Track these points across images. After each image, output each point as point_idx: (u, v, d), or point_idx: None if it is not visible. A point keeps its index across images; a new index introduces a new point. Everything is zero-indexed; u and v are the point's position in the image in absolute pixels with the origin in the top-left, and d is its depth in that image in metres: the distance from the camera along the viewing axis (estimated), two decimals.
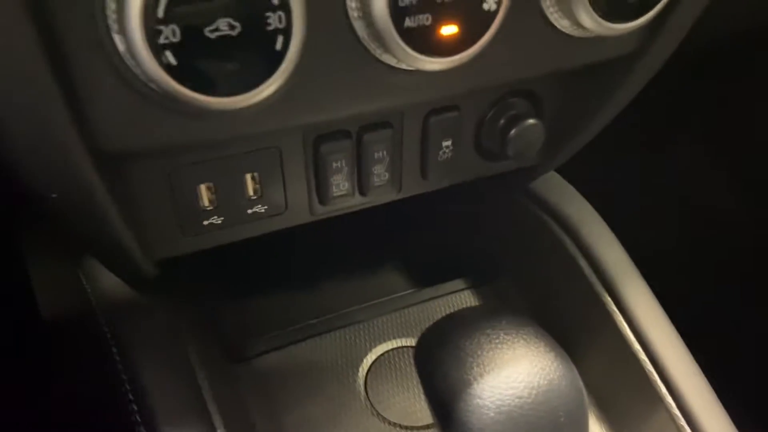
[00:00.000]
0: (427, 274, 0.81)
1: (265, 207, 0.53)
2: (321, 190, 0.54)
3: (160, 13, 0.33)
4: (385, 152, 0.53)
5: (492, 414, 0.44)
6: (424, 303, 0.77)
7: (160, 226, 0.51)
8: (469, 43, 0.41)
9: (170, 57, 0.34)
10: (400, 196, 0.59)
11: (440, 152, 0.56)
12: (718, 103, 1.00)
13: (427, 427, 0.67)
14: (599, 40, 0.48)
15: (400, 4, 0.37)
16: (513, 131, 0.55)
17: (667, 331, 0.64)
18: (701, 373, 0.63)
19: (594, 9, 0.43)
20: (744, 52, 0.92)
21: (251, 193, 0.52)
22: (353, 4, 0.38)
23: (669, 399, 0.61)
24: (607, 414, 0.67)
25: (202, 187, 0.50)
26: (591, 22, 0.43)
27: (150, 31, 0.33)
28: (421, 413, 0.68)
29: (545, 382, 0.45)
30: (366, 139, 0.52)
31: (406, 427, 0.67)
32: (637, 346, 0.63)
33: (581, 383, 0.48)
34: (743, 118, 1.00)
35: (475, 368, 0.46)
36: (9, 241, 0.74)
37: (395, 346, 0.73)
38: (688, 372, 0.62)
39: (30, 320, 0.75)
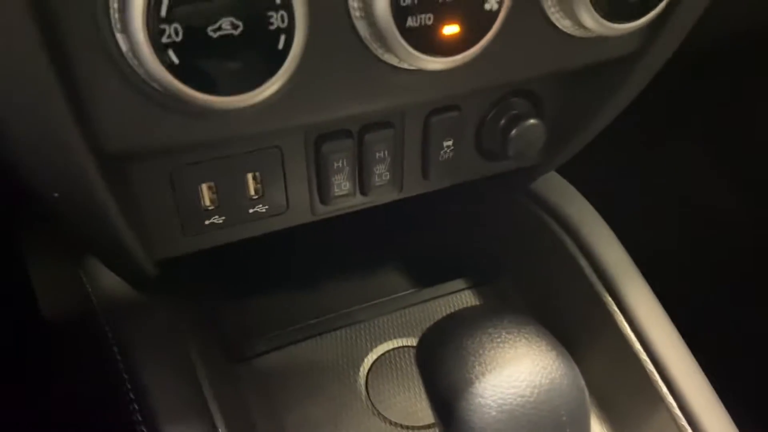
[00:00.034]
0: (428, 274, 0.81)
1: (267, 207, 0.53)
2: (322, 189, 0.54)
3: (163, 12, 0.33)
4: (386, 152, 0.54)
5: (494, 413, 0.44)
6: (424, 303, 0.77)
7: (161, 226, 0.51)
8: (471, 42, 0.41)
9: (173, 56, 0.34)
10: (401, 195, 0.59)
11: (441, 152, 0.56)
12: (718, 103, 1.00)
13: (428, 426, 0.67)
14: (600, 40, 0.48)
15: (402, 3, 0.37)
16: (514, 131, 0.55)
17: (668, 331, 0.64)
18: (702, 372, 0.63)
19: (595, 9, 0.43)
20: (744, 52, 0.92)
21: (252, 192, 0.52)
22: (355, 4, 0.38)
23: (670, 399, 0.61)
24: (608, 414, 0.67)
25: (204, 187, 0.50)
26: (592, 22, 0.44)
27: (153, 30, 0.33)
28: (422, 413, 0.68)
29: (547, 381, 0.45)
30: (367, 139, 0.52)
31: (407, 427, 0.67)
32: (637, 346, 0.63)
33: (583, 382, 0.48)
34: (743, 118, 1.00)
35: (476, 367, 0.46)
36: (9, 241, 0.74)
37: (396, 345, 0.73)
38: (688, 372, 0.62)
39: (30, 320, 0.75)
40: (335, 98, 0.43)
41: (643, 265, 0.68)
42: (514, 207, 0.73)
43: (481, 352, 0.47)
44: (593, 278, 0.66)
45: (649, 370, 0.62)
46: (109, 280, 0.58)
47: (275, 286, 0.79)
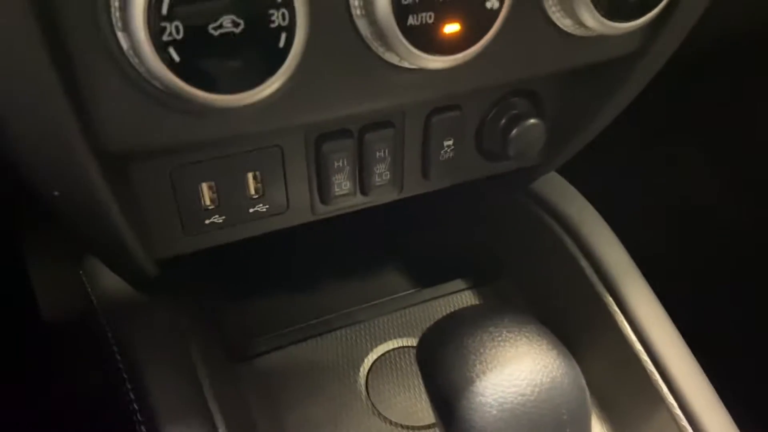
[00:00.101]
0: (428, 274, 0.81)
1: (267, 206, 0.53)
2: (322, 189, 0.54)
3: (164, 10, 0.33)
4: (386, 152, 0.54)
5: (495, 412, 0.44)
6: (425, 303, 0.77)
7: (161, 225, 0.51)
8: (472, 41, 0.41)
9: (174, 54, 0.34)
10: (402, 195, 0.59)
11: (442, 152, 0.56)
12: (718, 103, 1.00)
13: (429, 426, 0.67)
14: (601, 39, 0.48)
15: (403, 2, 0.37)
16: (514, 131, 0.55)
17: (669, 331, 0.64)
18: (703, 373, 0.63)
19: (596, 8, 0.43)
20: (744, 52, 0.92)
21: (253, 192, 0.52)
22: (356, 2, 0.38)
23: (671, 399, 0.61)
24: (608, 414, 0.67)
25: (204, 186, 0.50)
26: (593, 21, 0.44)
27: (154, 29, 0.33)
28: (423, 413, 0.68)
29: (548, 379, 0.45)
30: (368, 139, 0.52)
31: (408, 427, 0.67)
32: (638, 347, 0.63)
33: (584, 381, 0.48)
34: (743, 118, 1.00)
35: (477, 366, 0.46)
36: (9, 241, 0.74)
37: (396, 346, 0.73)
38: (689, 372, 0.62)
39: (30, 320, 0.75)
40: (336, 97, 0.43)
41: (643, 265, 0.68)
42: (514, 207, 0.73)
43: (481, 350, 0.47)
44: (594, 278, 0.66)
45: (650, 370, 0.62)
46: (109, 280, 0.58)
47: (276, 286, 0.79)
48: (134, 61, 0.35)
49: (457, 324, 0.50)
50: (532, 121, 0.55)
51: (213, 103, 0.36)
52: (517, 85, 0.56)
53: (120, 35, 0.34)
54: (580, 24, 0.45)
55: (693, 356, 0.64)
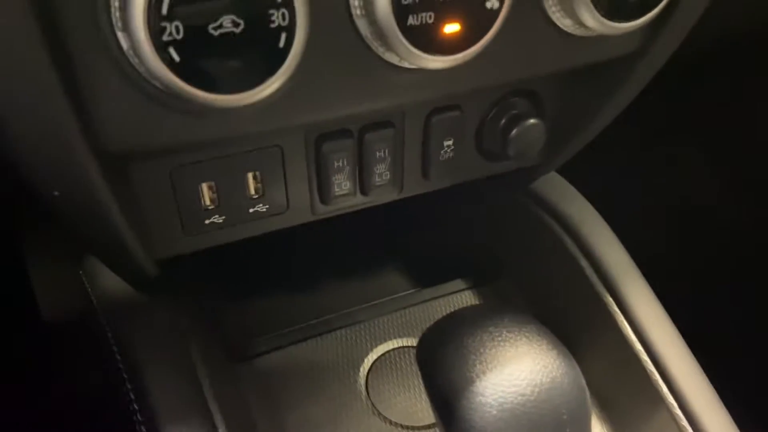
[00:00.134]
0: (428, 274, 0.81)
1: (267, 206, 0.53)
2: (322, 189, 0.54)
3: (164, 10, 0.33)
4: (386, 152, 0.54)
5: (495, 412, 0.44)
6: (424, 303, 0.77)
7: (161, 225, 0.51)
8: (472, 41, 0.41)
9: (174, 54, 0.34)
10: (402, 195, 0.59)
11: (441, 152, 0.56)
12: (718, 103, 1.01)
13: (429, 427, 0.67)
14: (601, 39, 0.48)
15: (403, 2, 0.37)
16: (514, 131, 0.55)
17: (669, 332, 0.64)
18: (703, 373, 0.63)
19: (596, 8, 0.43)
20: (744, 52, 0.92)
21: (253, 192, 0.52)
22: (356, 2, 0.38)
23: (671, 399, 0.61)
24: (608, 414, 0.67)
25: (204, 186, 0.50)
26: (593, 21, 0.44)
27: (154, 28, 0.33)
28: (423, 413, 0.68)
29: (548, 379, 0.45)
30: (368, 139, 0.52)
31: (408, 427, 0.67)
32: (638, 347, 0.63)
33: (584, 381, 0.48)
34: (743, 118, 1.00)
35: (477, 366, 0.46)
36: (9, 241, 0.74)
37: (396, 346, 0.73)
38: (689, 372, 0.62)
39: (30, 320, 0.75)
40: (336, 97, 0.43)
41: (643, 265, 0.68)
42: (514, 207, 0.73)
43: (481, 350, 0.47)
44: (594, 278, 0.66)
45: (650, 370, 0.62)
46: (109, 280, 0.58)
47: (276, 286, 0.79)
48: (134, 61, 0.35)
49: (457, 324, 0.50)
50: (532, 121, 0.55)
51: (213, 103, 0.36)
52: (517, 85, 0.56)
53: (120, 35, 0.34)
54: (580, 24, 0.45)
55: (693, 356, 0.64)
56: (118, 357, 0.55)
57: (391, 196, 0.58)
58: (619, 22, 0.44)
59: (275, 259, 0.79)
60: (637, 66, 0.53)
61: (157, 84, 0.36)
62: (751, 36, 0.86)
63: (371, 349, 0.72)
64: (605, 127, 0.62)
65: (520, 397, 0.44)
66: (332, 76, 0.42)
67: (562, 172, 0.72)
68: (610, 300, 0.65)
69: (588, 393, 0.48)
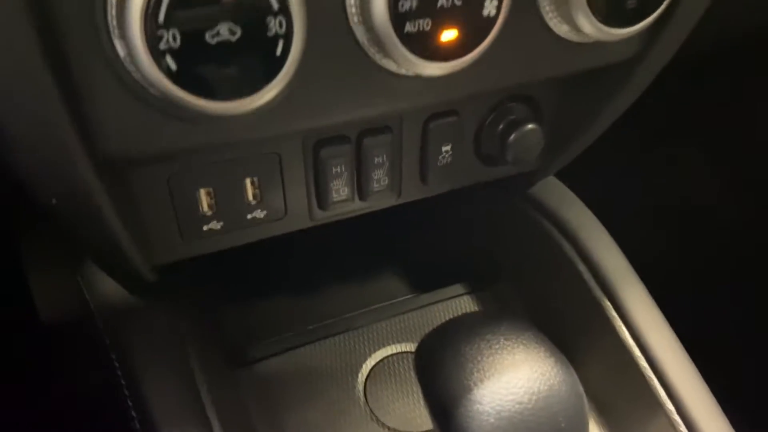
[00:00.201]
0: (427, 279, 0.80)
1: (265, 212, 0.53)
2: (321, 195, 0.54)
3: (161, 18, 0.33)
4: (384, 157, 0.53)
5: (492, 420, 0.44)
6: (423, 308, 0.77)
7: (159, 232, 0.51)
8: (469, 48, 0.41)
9: (171, 62, 0.34)
10: (400, 201, 0.59)
11: (440, 157, 0.56)
12: (718, 103, 1.01)
13: None
14: (598, 45, 0.48)
15: (401, 9, 0.37)
16: (512, 136, 0.55)
17: (667, 336, 0.64)
18: (701, 378, 0.63)
19: (593, 14, 0.43)
20: (744, 53, 0.92)
21: (251, 198, 0.52)
22: (353, 9, 0.38)
23: (669, 404, 0.60)
24: (606, 419, 0.67)
25: (202, 192, 0.50)
26: (590, 27, 0.44)
27: (150, 36, 0.33)
28: (421, 419, 0.68)
29: (545, 387, 0.45)
30: (366, 144, 0.52)
31: None
32: (636, 352, 0.63)
33: (581, 388, 0.48)
34: (743, 118, 1.00)
35: (475, 374, 0.46)
36: (9, 241, 0.74)
37: (395, 351, 0.73)
38: (687, 377, 0.62)
39: (30, 320, 0.75)
40: (333, 104, 0.43)
41: (643, 266, 0.68)
42: (512, 212, 0.73)
43: (479, 358, 0.46)
44: (592, 283, 0.66)
45: (648, 375, 0.62)
46: (107, 286, 0.58)
47: (274, 292, 0.79)
48: (131, 68, 0.35)
49: (454, 332, 0.50)
50: (530, 126, 0.55)
51: (210, 111, 0.36)
52: (515, 91, 0.56)
53: (117, 42, 0.34)
54: (578, 30, 0.44)
55: (691, 361, 0.64)
56: (116, 363, 0.55)
57: (389, 201, 0.58)
58: (617, 28, 0.44)
59: (274, 264, 0.79)
60: (636, 71, 0.53)
61: (154, 91, 0.36)
62: (750, 36, 0.86)
63: (370, 355, 0.72)
64: (604, 132, 0.62)
65: (517, 405, 0.44)
66: (330, 82, 0.42)
67: (561, 176, 0.72)
68: (608, 304, 0.65)
69: (585, 400, 0.48)
